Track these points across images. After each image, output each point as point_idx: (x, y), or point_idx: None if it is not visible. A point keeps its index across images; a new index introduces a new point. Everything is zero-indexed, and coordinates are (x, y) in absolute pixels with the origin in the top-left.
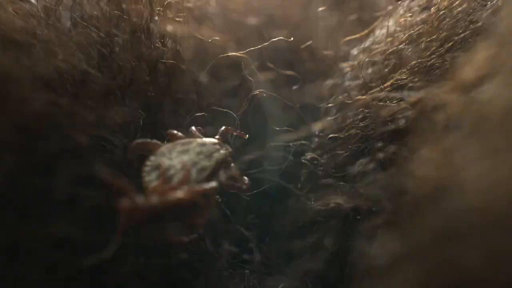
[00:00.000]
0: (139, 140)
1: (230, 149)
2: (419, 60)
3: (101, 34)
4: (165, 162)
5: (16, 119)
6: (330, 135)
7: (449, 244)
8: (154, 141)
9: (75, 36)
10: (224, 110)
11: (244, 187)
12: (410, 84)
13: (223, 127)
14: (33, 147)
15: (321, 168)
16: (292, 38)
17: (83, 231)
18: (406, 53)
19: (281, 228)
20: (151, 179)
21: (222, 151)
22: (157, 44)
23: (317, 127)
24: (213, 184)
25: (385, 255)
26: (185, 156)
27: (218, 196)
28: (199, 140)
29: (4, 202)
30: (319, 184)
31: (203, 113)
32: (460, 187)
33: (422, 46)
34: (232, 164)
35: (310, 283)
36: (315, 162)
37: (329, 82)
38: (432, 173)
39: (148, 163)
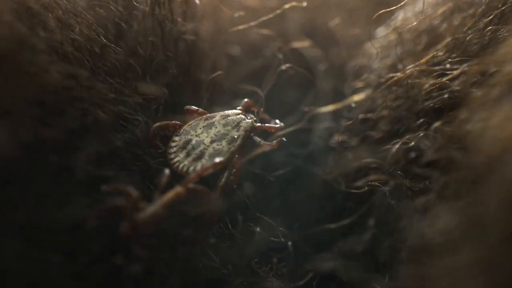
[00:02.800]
0: (159, 123)
1: (255, 118)
2: (455, 36)
3: (119, 7)
4: (193, 139)
5: (32, 91)
6: (360, 117)
7: None
8: (174, 121)
9: (92, 8)
10: (250, 89)
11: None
12: (449, 60)
13: (245, 99)
14: (50, 122)
15: (351, 150)
16: (305, 3)
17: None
18: (441, 30)
19: (311, 213)
20: (179, 159)
21: (248, 120)
22: (178, 19)
23: (343, 108)
24: (218, 160)
25: (441, 232)
26: (212, 130)
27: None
28: (221, 112)
29: (21, 182)
30: (349, 167)
31: (225, 92)
32: None
33: (457, 22)
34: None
35: (357, 264)
36: (345, 145)
37: (357, 62)
38: (488, 144)
39: (173, 143)
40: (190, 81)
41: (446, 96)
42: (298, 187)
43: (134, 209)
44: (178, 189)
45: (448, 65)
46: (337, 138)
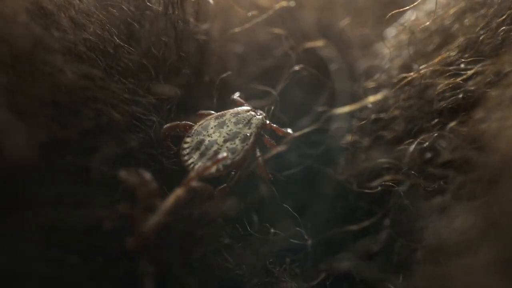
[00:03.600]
0: (169, 125)
1: (264, 113)
2: (468, 36)
3: (131, 8)
4: (206, 140)
5: (47, 92)
6: (373, 117)
7: None
8: (184, 122)
9: (105, 8)
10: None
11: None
12: (462, 60)
13: (234, 96)
14: (65, 122)
15: (364, 151)
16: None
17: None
18: (452, 30)
19: (325, 214)
20: (194, 160)
21: (258, 116)
22: (191, 19)
23: (356, 108)
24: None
25: (458, 232)
26: (224, 129)
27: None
28: (230, 111)
29: (38, 183)
30: (362, 167)
31: (238, 92)
32: None
33: (469, 22)
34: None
35: (371, 264)
36: (357, 145)
37: (366, 62)
38: (504, 144)
39: (185, 145)
40: (202, 81)
41: (460, 96)
42: (311, 187)
43: (142, 216)
44: (178, 192)
45: (462, 65)
46: (350, 138)
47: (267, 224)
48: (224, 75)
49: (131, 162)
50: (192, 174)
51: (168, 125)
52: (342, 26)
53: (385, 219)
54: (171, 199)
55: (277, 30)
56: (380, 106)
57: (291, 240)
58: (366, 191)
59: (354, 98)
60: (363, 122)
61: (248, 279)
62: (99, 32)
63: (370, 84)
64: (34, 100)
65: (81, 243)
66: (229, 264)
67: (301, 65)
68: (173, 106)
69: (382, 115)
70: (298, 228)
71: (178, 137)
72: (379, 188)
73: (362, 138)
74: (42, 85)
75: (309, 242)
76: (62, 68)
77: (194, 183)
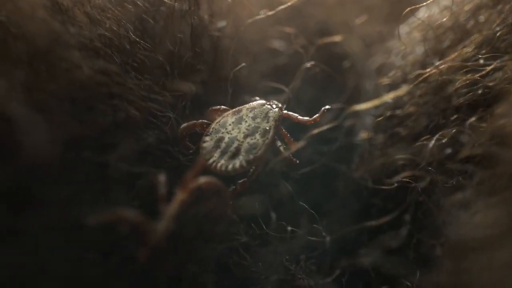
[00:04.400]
0: (186, 124)
1: (280, 104)
2: (484, 33)
3: (146, 4)
4: (225, 137)
5: (64, 88)
6: (388, 114)
7: None
8: (200, 121)
9: (120, 4)
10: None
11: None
12: (479, 56)
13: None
14: (83, 118)
15: (379, 148)
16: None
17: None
18: (468, 26)
19: (342, 211)
20: (215, 159)
21: (275, 109)
22: (205, 16)
23: (370, 105)
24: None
25: (479, 228)
26: (242, 125)
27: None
28: (246, 106)
29: (56, 181)
30: (378, 163)
31: (250, 89)
32: None
33: (483, 19)
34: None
35: (393, 260)
36: (372, 142)
37: (379, 59)
38: None
39: (205, 144)
40: (216, 78)
41: (480, 92)
42: (327, 185)
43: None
44: (180, 196)
45: (481, 61)
46: (366, 135)
47: (283, 222)
48: (238, 67)
49: (147, 159)
50: (187, 176)
51: (184, 125)
52: (355, 24)
53: (404, 215)
54: (174, 204)
55: (288, 29)
56: (395, 103)
57: (310, 238)
58: (383, 187)
59: (367, 95)
60: (380, 119)
61: (265, 276)
62: (115, 28)
63: (385, 81)
64: (51, 96)
65: (99, 241)
66: (246, 262)
67: (313, 62)
68: (187, 103)
69: (398, 111)
70: (315, 225)
71: (196, 134)
72: (396, 184)
73: (377, 135)
74: (59, 82)
75: (328, 239)
76: (79, 64)
77: (200, 182)
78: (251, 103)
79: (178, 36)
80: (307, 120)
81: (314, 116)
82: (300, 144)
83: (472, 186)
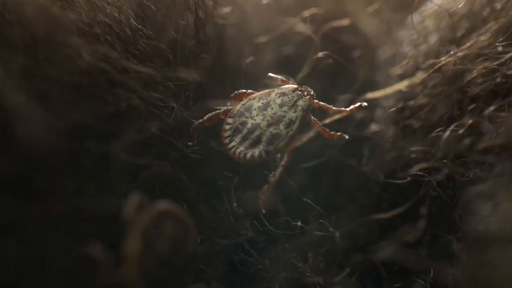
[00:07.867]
0: (210, 115)
1: (312, 91)
2: (501, 20)
3: None
4: (248, 122)
5: (66, 75)
6: (399, 106)
7: None
8: (223, 108)
9: None
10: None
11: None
12: (497, 44)
13: (281, 77)
14: (85, 107)
15: (391, 140)
16: None
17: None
18: (484, 14)
19: (351, 205)
20: (235, 144)
21: (305, 97)
22: (209, 3)
23: (383, 94)
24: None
25: (500, 221)
26: (268, 112)
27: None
28: (276, 90)
29: (59, 169)
30: (391, 156)
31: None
32: None
33: (499, 6)
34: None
35: (405, 256)
36: (382, 135)
37: (389, 49)
38: None
39: (227, 126)
40: (221, 67)
41: (498, 80)
42: (336, 178)
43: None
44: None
45: (499, 49)
46: (377, 127)
47: (288, 218)
48: (248, 60)
49: (151, 150)
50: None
51: (208, 115)
52: (366, 13)
53: (418, 209)
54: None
55: (293, 20)
56: (407, 95)
57: (318, 233)
58: (396, 181)
59: (378, 87)
60: (392, 110)
61: (272, 274)
62: (115, 14)
63: (397, 71)
64: (53, 84)
65: (102, 233)
66: (252, 259)
67: (325, 52)
68: (190, 93)
69: (411, 103)
70: (322, 221)
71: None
72: (409, 178)
73: (389, 127)
74: (60, 69)
75: (337, 234)
76: (80, 51)
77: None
78: (282, 86)
79: (181, 23)
80: (343, 110)
81: (351, 107)
82: (343, 135)
83: (492, 177)
